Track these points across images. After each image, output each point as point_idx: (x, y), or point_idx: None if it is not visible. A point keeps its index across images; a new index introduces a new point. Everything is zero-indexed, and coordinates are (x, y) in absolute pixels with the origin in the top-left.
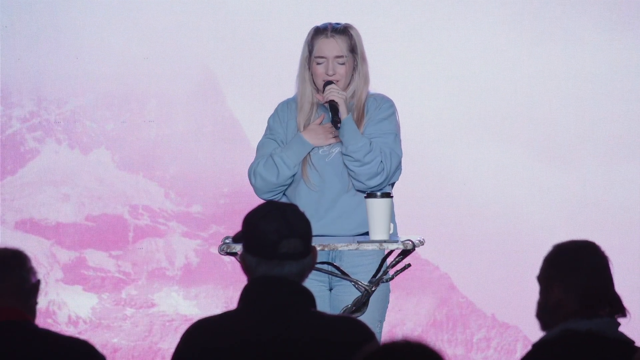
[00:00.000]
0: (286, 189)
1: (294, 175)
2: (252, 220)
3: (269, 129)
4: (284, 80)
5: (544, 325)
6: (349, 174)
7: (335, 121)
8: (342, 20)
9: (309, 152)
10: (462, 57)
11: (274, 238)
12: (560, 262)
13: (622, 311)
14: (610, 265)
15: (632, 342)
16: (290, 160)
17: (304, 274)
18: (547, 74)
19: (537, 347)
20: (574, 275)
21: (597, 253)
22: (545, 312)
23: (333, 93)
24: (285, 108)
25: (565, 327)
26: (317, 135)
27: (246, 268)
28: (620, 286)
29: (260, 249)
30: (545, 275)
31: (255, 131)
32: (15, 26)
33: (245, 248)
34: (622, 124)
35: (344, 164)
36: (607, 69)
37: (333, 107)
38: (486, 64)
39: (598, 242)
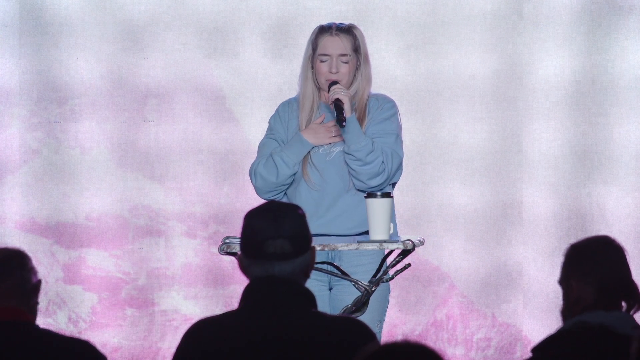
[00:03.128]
0: (287, 188)
1: (294, 175)
2: (246, 219)
3: (270, 129)
4: (284, 80)
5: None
6: (349, 173)
7: (340, 120)
8: (344, 20)
9: (309, 152)
10: (463, 56)
11: (259, 238)
12: (576, 259)
13: (638, 302)
14: (627, 256)
15: None
16: (290, 160)
17: (298, 273)
18: (547, 72)
19: (551, 338)
20: (590, 269)
21: (612, 245)
22: (567, 312)
23: (338, 92)
24: (287, 108)
25: (579, 320)
26: (316, 135)
27: (242, 268)
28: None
29: (249, 248)
30: (564, 276)
31: (256, 131)
32: (16, 26)
33: (240, 247)
34: (623, 120)
35: (346, 162)
36: (609, 63)
37: (338, 106)
38: (486, 63)
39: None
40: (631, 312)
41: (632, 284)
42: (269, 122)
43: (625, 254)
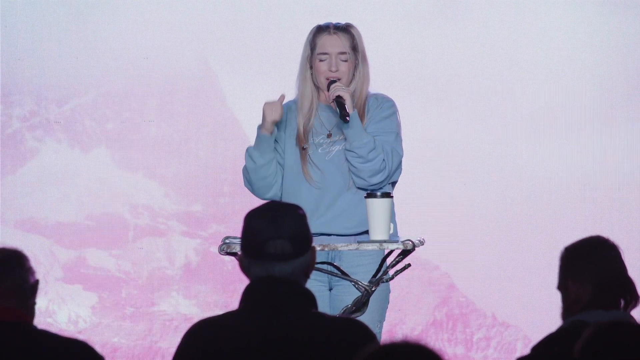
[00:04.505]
0: (273, 182)
1: (267, 166)
2: (246, 220)
3: None
4: (284, 80)
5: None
6: (350, 171)
7: (344, 115)
8: (343, 20)
9: (308, 153)
10: (461, 56)
11: (259, 239)
12: (570, 261)
13: (635, 298)
14: (622, 254)
15: None
16: (252, 152)
17: (298, 274)
18: (547, 72)
19: (550, 337)
20: (585, 269)
21: (605, 244)
22: (567, 314)
23: (339, 89)
24: (285, 112)
25: (577, 319)
26: (262, 116)
27: (242, 268)
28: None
29: (250, 248)
30: (561, 279)
31: (255, 131)
32: (15, 26)
33: (241, 248)
34: (624, 118)
35: (346, 159)
36: (608, 60)
37: (339, 103)
38: (485, 62)
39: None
40: (629, 309)
41: (629, 280)
42: None
43: (619, 252)
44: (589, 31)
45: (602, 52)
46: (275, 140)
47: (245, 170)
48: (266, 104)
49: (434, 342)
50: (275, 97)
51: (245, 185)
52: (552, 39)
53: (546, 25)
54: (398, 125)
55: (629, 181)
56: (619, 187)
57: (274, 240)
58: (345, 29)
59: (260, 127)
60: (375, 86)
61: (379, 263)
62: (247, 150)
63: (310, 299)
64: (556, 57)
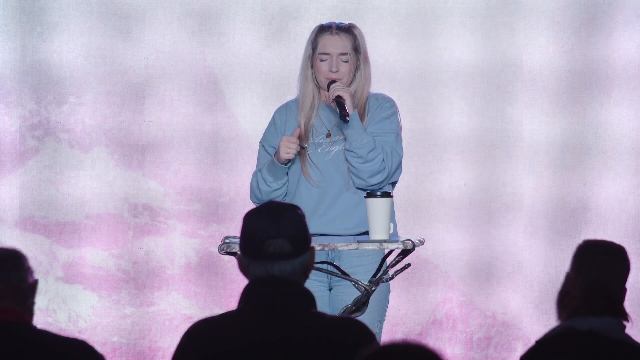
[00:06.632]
0: (283, 193)
1: (281, 186)
2: (245, 219)
3: (264, 139)
4: (284, 79)
5: (557, 313)
6: (349, 171)
7: (344, 115)
8: (345, 19)
9: (307, 153)
10: (462, 56)
11: (259, 238)
12: (579, 254)
13: (623, 315)
14: (628, 271)
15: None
16: (267, 177)
17: (298, 273)
18: (548, 71)
19: (540, 343)
20: (585, 270)
21: (617, 255)
22: (558, 299)
23: (339, 89)
24: (283, 111)
25: (568, 325)
26: (278, 150)
27: (241, 268)
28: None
29: (249, 248)
30: (571, 266)
31: (255, 131)
32: (15, 26)
33: (239, 247)
34: (624, 117)
35: (346, 159)
36: (609, 57)
37: (339, 102)
38: (486, 62)
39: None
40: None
41: (618, 299)
42: (265, 132)
43: (627, 270)
44: (588, 29)
45: (602, 49)
46: (268, 153)
47: (258, 191)
48: (283, 139)
49: (434, 341)
50: (276, 98)
51: (253, 200)
52: (552, 37)
53: (546, 23)
54: (398, 126)
55: (630, 181)
56: (619, 186)
57: (274, 239)
58: (347, 30)
59: (274, 155)
60: (377, 85)
61: (378, 263)
62: (260, 173)
63: (309, 298)
64: (556, 56)
